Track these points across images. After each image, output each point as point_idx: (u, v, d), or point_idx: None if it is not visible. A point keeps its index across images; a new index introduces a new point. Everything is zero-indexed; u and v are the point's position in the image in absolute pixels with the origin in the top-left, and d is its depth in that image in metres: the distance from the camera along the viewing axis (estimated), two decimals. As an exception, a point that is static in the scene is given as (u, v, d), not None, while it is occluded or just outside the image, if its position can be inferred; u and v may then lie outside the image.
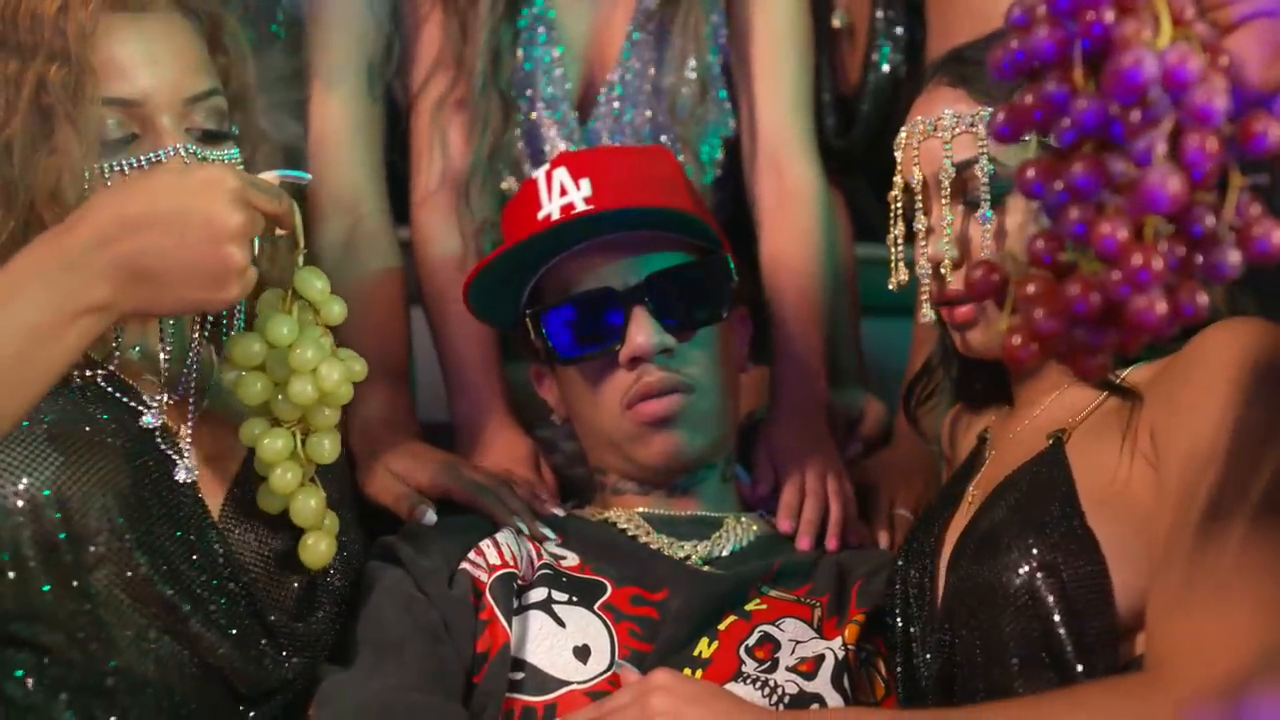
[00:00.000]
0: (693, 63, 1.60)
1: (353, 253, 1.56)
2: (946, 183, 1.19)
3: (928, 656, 1.15)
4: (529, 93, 1.61)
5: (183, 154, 1.15)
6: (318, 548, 1.16)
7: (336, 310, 1.14)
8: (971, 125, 1.18)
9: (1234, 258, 0.67)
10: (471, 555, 1.27)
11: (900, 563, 1.21)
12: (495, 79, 1.57)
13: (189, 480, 1.16)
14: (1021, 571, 1.04)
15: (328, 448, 1.15)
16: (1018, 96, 0.69)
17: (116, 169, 1.14)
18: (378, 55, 1.62)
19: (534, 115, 1.61)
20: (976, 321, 1.19)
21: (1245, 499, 0.92)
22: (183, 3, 1.22)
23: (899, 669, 1.19)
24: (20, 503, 1.07)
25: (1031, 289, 0.69)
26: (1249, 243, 0.66)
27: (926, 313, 1.23)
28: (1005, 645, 1.05)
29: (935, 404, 1.35)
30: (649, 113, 1.63)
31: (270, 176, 1.12)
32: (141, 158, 1.15)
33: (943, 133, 1.20)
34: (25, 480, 1.07)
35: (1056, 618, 1.02)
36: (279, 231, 1.09)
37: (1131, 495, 1.04)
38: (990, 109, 1.17)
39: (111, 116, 1.15)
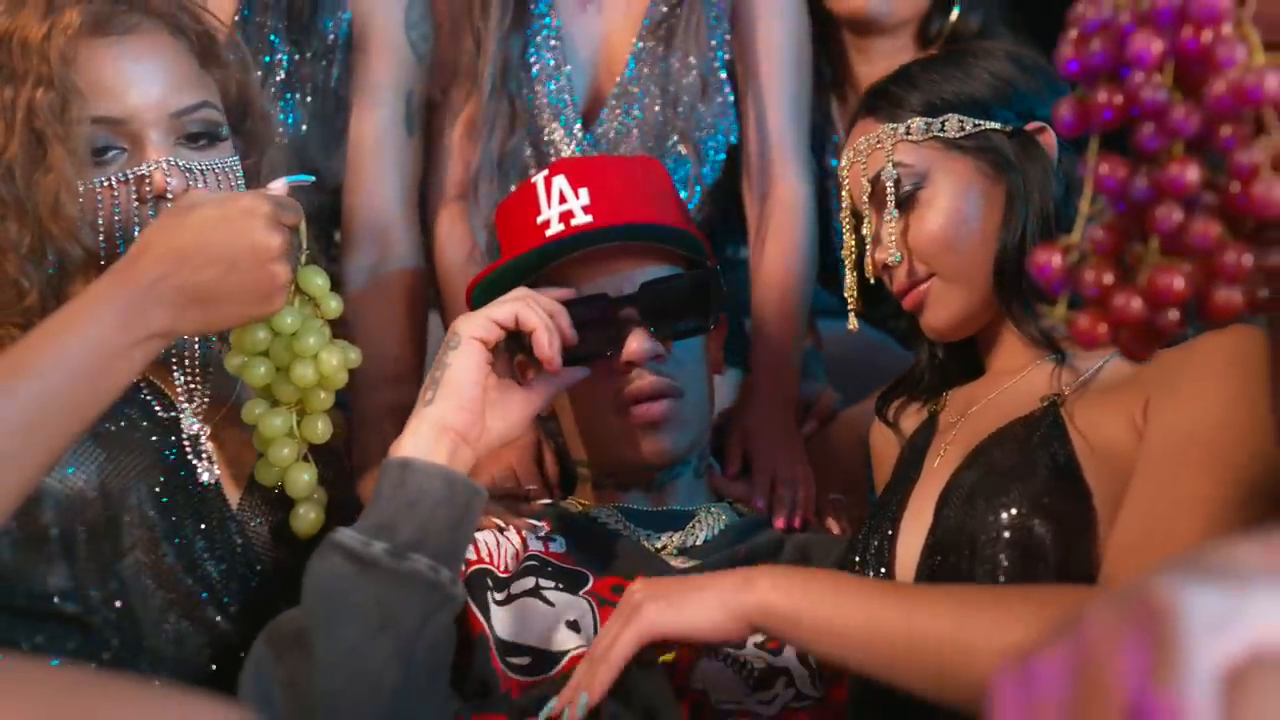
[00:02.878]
0: (694, 66, 1.68)
1: (379, 280, 1.65)
2: (866, 197, 1.32)
3: None
4: (536, 100, 1.67)
5: (164, 167, 1.22)
6: (308, 517, 1.26)
7: (334, 305, 1.23)
8: (878, 142, 1.31)
9: None
10: None
11: (861, 534, 1.29)
12: (505, 86, 1.64)
13: (211, 481, 1.26)
14: (1021, 510, 1.12)
15: (320, 428, 1.26)
16: (1087, 93, 0.75)
17: (106, 183, 1.22)
18: (417, 86, 1.70)
19: (540, 122, 1.68)
20: (927, 302, 1.30)
21: (1213, 469, 1.02)
22: (170, 22, 1.28)
23: None
24: (70, 493, 1.17)
25: (1091, 275, 0.75)
26: None
27: (853, 322, 1.37)
28: (995, 583, 1.12)
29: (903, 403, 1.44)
30: (654, 118, 1.70)
31: (279, 185, 1.20)
32: (129, 171, 1.23)
33: (860, 157, 1.33)
34: (74, 472, 1.17)
35: (1049, 556, 1.10)
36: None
37: (1120, 457, 1.12)
38: (892, 124, 1.29)
39: (101, 134, 1.22)
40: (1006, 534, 1.12)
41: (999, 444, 1.20)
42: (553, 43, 1.69)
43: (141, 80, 1.24)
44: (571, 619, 1.27)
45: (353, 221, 1.68)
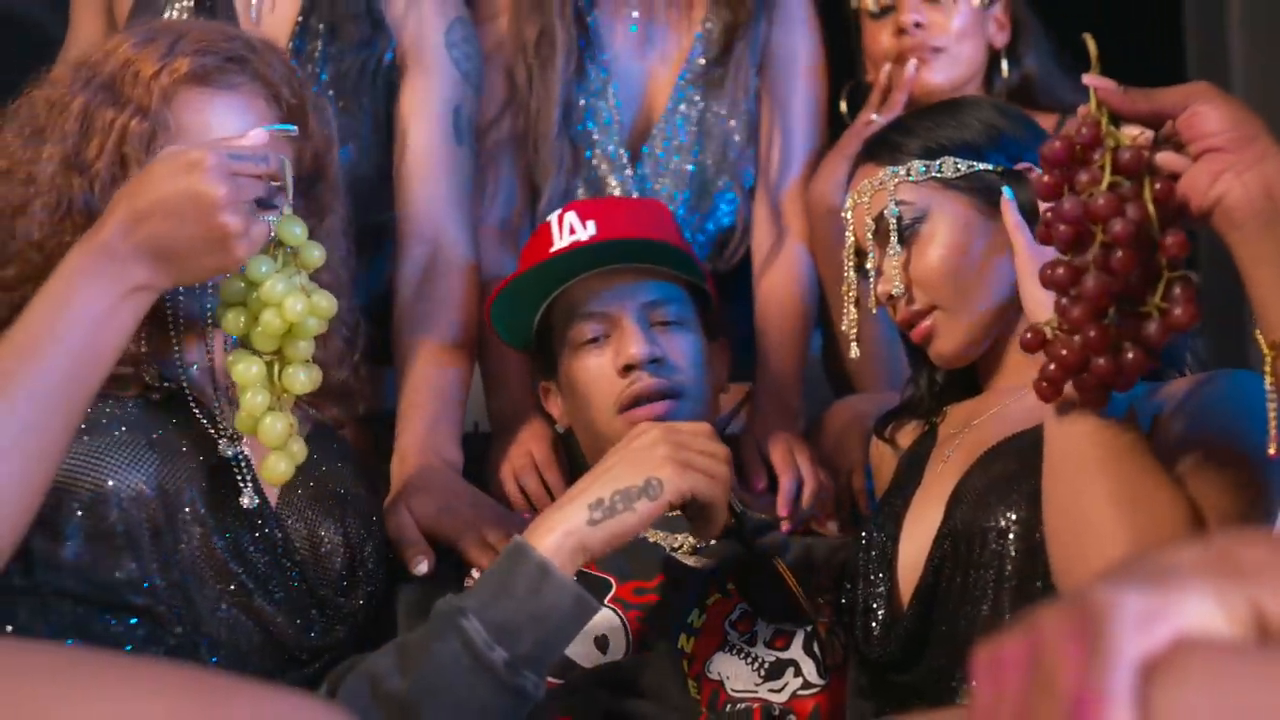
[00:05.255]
0: (740, 112, 1.82)
1: (430, 282, 1.70)
2: (870, 235, 1.41)
3: (880, 614, 1.32)
4: (589, 138, 1.80)
5: None
6: (277, 466, 1.26)
7: (316, 254, 1.24)
8: (880, 184, 1.40)
9: (1153, 329, 0.94)
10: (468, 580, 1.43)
11: (864, 533, 1.38)
12: (566, 128, 1.76)
13: (252, 505, 1.34)
14: (1027, 511, 1.20)
15: (302, 379, 1.25)
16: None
17: None
18: (465, 102, 1.78)
19: (592, 159, 1.81)
20: (935, 333, 1.39)
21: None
22: (270, 90, 1.39)
23: (857, 628, 1.34)
24: (132, 495, 1.25)
25: (1056, 348, 0.98)
26: (1168, 318, 0.94)
27: (854, 350, 1.44)
28: (1004, 576, 1.22)
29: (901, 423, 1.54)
30: (693, 156, 1.84)
31: (256, 134, 1.23)
32: None
33: (863, 198, 1.42)
34: (134, 477, 1.26)
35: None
36: (274, 183, 1.20)
37: None
38: (893, 167, 1.40)
39: None
40: (1013, 531, 1.21)
41: (1007, 451, 1.28)
42: (603, 87, 1.82)
43: (222, 132, 1.32)
44: (600, 634, 1.36)
45: (405, 226, 1.73)
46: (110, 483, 1.24)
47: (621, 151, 1.84)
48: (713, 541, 1.48)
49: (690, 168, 1.86)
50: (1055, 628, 0.50)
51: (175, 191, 1.12)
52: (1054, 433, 1.12)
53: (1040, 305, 1.13)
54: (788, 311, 1.80)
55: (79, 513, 1.24)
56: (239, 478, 1.34)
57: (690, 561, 1.48)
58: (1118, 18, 2.16)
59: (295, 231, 1.22)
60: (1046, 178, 0.95)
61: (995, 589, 1.22)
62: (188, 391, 1.37)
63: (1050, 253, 0.97)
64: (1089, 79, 0.95)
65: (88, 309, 1.11)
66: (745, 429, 1.74)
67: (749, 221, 1.88)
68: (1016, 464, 1.25)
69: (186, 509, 1.28)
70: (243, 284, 1.22)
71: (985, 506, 1.24)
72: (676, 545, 1.49)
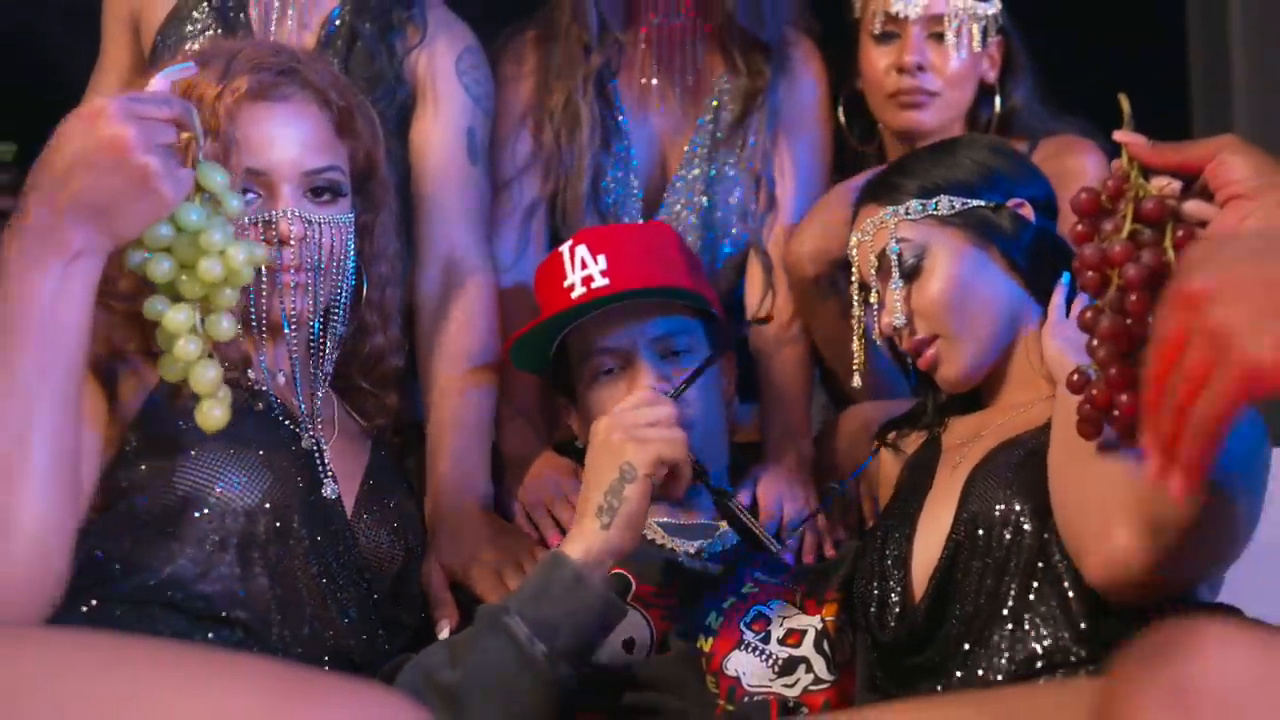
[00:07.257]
0: (755, 173, 1.90)
1: (449, 302, 1.75)
2: (874, 271, 1.50)
3: (897, 609, 1.38)
4: (613, 207, 1.88)
5: (288, 216, 1.39)
6: (212, 413, 1.22)
7: (235, 205, 1.21)
8: (881, 223, 1.50)
9: None
10: None
11: (880, 532, 1.46)
12: (594, 200, 1.84)
13: (333, 496, 1.41)
14: (1039, 496, 1.27)
15: (225, 327, 1.22)
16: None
17: (240, 222, 1.36)
18: (478, 126, 1.82)
19: (611, 219, 1.87)
20: (939, 360, 1.48)
21: None
22: (321, 96, 1.46)
23: (872, 619, 1.41)
24: (249, 507, 1.32)
25: (1093, 388, 1.07)
26: None
27: (857, 381, 1.56)
28: (1020, 558, 1.28)
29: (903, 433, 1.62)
30: (701, 217, 1.91)
31: (158, 80, 1.21)
32: (260, 215, 1.40)
33: (866, 236, 1.52)
34: (252, 494, 1.32)
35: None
36: (184, 135, 1.17)
37: None
38: (893, 206, 1.49)
39: (245, 180, 1.39)
40: (1027, 516, 1.29)
41: (1016, 444, 1.36)
42: (622, 153, 1.89)
43: (285, 141, 1.41)
44: (627, 637, 1.44)
45: (421, 244, 1.77)
46: (231, 495, 1.30)
47: (638, 210, 1.91)
48: (727, 546, 1.59)
49: (698, 229, 1.92)
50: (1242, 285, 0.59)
51: (86, 144, 1.09)
52: (1061, 406, 1.20)
53: (1059, 359, 1.25)
54: (788, 369, 1.87)
55: (203, 524, 1.30)
56: (319, 469, 1.41)
57: (706, 565, 1.56)
58: (1121, 39, 2.22)
59: (217, 178, 1.19)
60: (1079, 226, 1.03)
61: (1012, 572, 1.29)
62: (270, 390, 1.43)
63: (1073, 324, 1.05)
64: (1120, 136, 1.03)
65: (35, 293, 1.10)
66: (755, 470, 1.78)
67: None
68: (1027, 454, 1.33)
69: (292, 526, 1.34)
70: (166, 230, 1.18)
71: (1000, 493, 1.31)
72: (695, 550, 1.58)
